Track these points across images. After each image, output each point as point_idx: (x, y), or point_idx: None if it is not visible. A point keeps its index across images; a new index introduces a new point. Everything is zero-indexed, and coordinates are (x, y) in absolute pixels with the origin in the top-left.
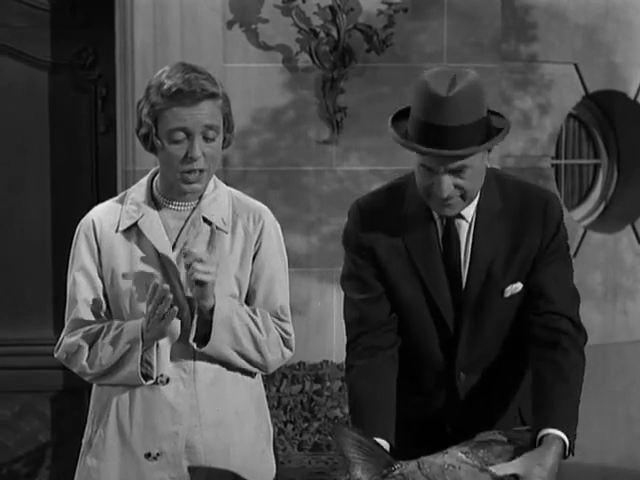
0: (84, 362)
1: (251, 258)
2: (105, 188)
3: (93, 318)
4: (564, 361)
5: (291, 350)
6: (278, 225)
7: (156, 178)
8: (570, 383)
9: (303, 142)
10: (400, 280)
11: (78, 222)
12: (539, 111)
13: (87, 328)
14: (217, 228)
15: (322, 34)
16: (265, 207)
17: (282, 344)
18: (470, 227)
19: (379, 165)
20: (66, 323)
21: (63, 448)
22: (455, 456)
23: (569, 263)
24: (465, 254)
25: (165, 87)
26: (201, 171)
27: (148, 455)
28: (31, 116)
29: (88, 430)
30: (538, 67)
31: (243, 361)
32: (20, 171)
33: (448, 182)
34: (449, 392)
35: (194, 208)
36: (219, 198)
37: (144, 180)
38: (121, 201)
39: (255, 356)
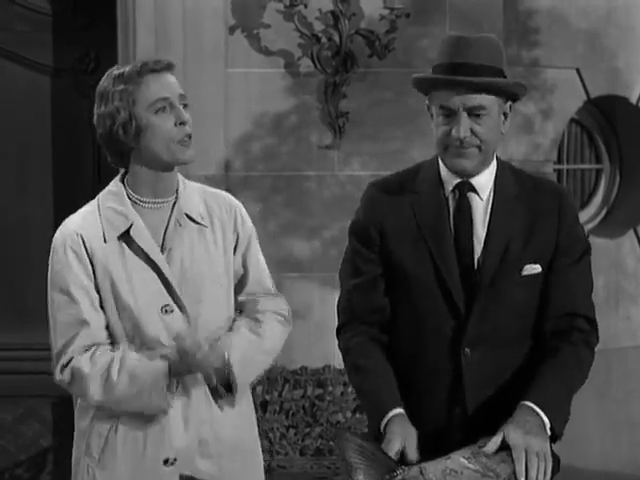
0: (95, 389)
1: (232, 246)
2: None
3: (101, 338)
4: (569, 353)
5: (290, 324)
6: (243, 207)
7: (127, 183)
8: (568, 372)
9: (305, 147)
10: (409, 254)
11: None
12: (541, 116)
13: (98, 353)
14: (198, 223)
15: (324, 39)
16: (228, 194)
17: (284, 328)
18: (487, 207)
19: (381, 170)
20: (65, 342)
21: (65, 453)
22: (457, 461)
23: (590, 263)
24: (482, 232)
25: (127, 70)
26: (190, 137)
27: (166, 461)
28: (33, 120)
29: (89, 443)
30: (540, 72)
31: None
32: (22, 175)
33: (466, 123)
34: (454, 370)
35: (173, 206)
36: (192, 195)
37: (115, 187)
38: (96, 210)
39: (269, 359)
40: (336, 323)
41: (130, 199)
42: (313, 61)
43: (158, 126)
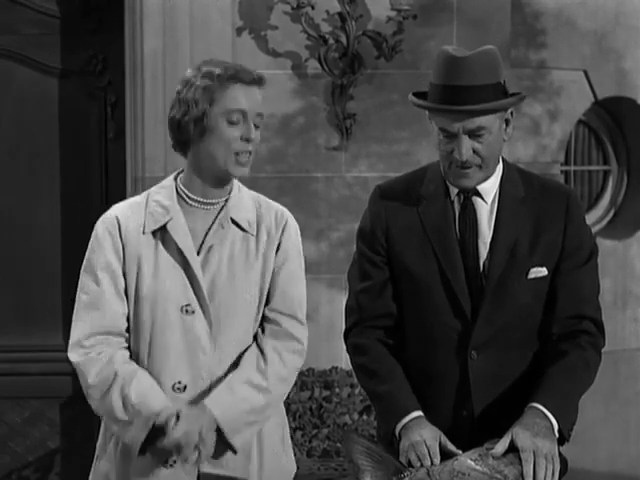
0: (94, 397)
1: (273, 256)
2: (115, 195)
3: (116, 324)
4: (576, 355)
5: (301, 357)
6: (298, 228)
7: (180, 179)
8: (576, 375)
9: (312, 149)
10: (415, 257)
11: (88, 228)
12: (548, 118)
13: (106, 356)
14: (244, 230)
15: (331, 41)
16: (286, 209)
17: (294, 366)
18: (492, 210)
19: (388, 171)
20: (83, 320)
21: (72, 454)
22: (465, 463)
23: (597, 265)
24: (488, 235)
25: (218, 70)
26: (250, 153)
27: (165, 462)
28: (41, 123)
29: (102, 437)
30: (547, 73)
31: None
32: (30, 178)
33: (467, 144)
34: (460, 372)
35: (220, 209)
36: (244, 201)
37: (168, 182)
38: (144, 202)
39: (272, 405)
40: (343, 325)
41: (179, 195)
42: (320, 63)
43: (224, 133)
